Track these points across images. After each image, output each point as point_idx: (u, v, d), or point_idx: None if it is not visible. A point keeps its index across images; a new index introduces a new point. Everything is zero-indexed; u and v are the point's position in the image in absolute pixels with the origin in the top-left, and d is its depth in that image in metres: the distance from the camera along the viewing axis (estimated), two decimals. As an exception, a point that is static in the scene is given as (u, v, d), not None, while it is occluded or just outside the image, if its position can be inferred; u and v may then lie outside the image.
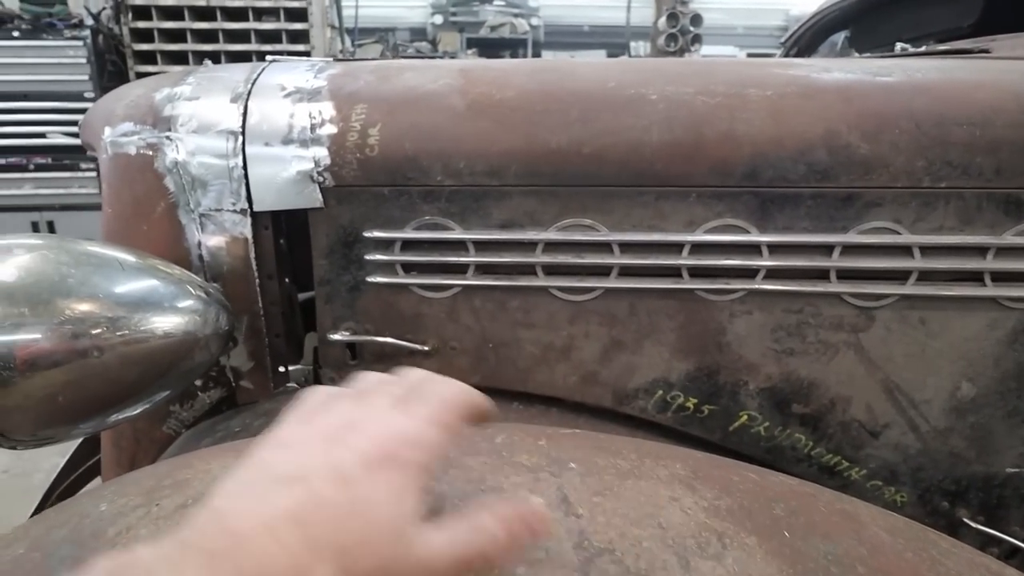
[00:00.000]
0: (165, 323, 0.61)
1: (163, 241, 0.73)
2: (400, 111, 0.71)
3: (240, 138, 0.70)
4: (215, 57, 3.75)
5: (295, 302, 0.82)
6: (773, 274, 0.69)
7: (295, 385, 0.81)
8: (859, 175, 0.66)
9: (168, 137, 0.72)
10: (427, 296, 0.73)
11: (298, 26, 3.81)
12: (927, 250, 0.67)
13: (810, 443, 0.74)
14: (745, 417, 0.73)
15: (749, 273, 0.69)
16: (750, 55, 6.72)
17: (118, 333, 0.58)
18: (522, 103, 0.70)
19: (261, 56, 3.66)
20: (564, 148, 0.68)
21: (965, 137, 0.64)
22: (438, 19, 6.64)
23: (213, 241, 0.73)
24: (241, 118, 0.71)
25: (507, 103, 0.70)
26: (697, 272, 0.70)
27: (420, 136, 0.69)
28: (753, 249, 0.68)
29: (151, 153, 0.72)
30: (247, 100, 0.72)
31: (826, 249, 0.68)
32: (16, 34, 3.62)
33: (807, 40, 1.62)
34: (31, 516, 1.22)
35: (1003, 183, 0.65)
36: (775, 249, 0.68)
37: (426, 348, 0.74)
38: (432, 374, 0.40)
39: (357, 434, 0.33)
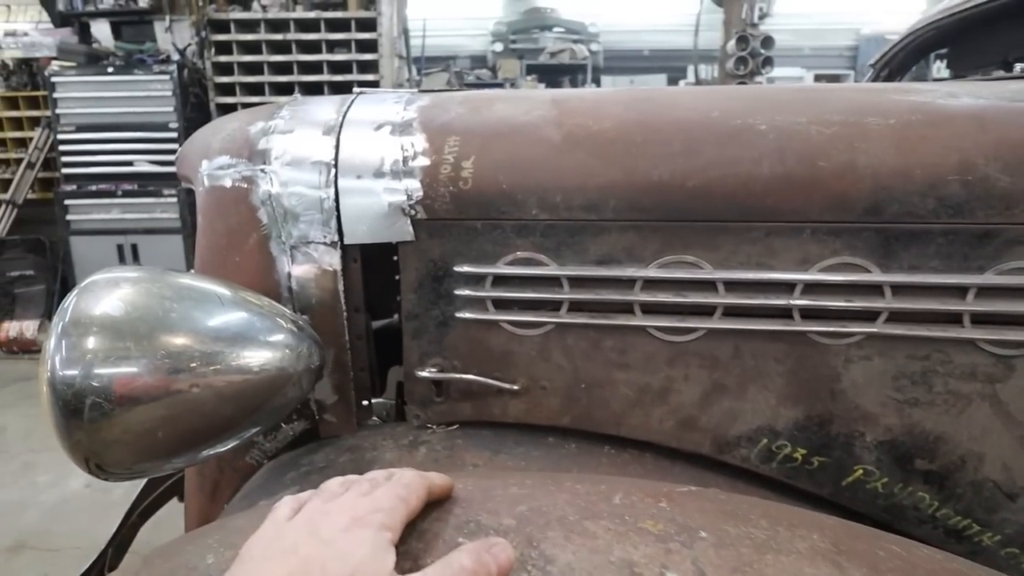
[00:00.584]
0: (260, 358, 0.60)
1: (254, 272, 0.73)
2: (494, 143, 0.69)
3: (332, 171, 0.70)
4: (289, 88, 3.91)
5: (370, 333, 0.81)
6: (896, 317, 0.63)
7: (378, 420, 0.80)
8: (999, 210, 0.60)
9: (263, 170, 0.72)
10: (518, 333, 0.70)
11: (368, 56, 3.94)
12: (1079, 294, 0.60)
13: (935, 503, 0.66)
14: (860, 471, 0.67)
15: (869, 316, 0.63)
16: (817, 77, 6.51)
17: (215, 368, 0.57)
18: (620, 135, 0.67)
19: (332, 85, 3.78)
20: (667, 181, 0.64)
21: None
22: (498, 47, 6.73)
23: (303, 273, 0.72)
24: (334, 151, 0.71)
25: (605, 135, 0.67)
26: (810, 314, 0.64)
27: (515, 169, 0.67)
28: (874, 290, 0.63)
29: (246, 186, 0.73)
30: (339, 133, 0.72)
31: (959, 291, 0.61)
32: (110, 70, 3.89)
33: (899, 61, 1.54)
34: (114, 534, 1.26)
35: None
36: (900, 290, 0.62)
37: (515, 387, 0.71)
38: (391, 470, 0.47)
39: (330, 514, 0.41)
